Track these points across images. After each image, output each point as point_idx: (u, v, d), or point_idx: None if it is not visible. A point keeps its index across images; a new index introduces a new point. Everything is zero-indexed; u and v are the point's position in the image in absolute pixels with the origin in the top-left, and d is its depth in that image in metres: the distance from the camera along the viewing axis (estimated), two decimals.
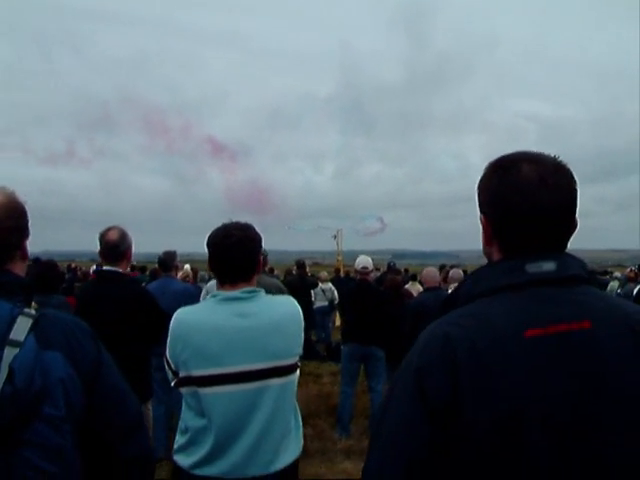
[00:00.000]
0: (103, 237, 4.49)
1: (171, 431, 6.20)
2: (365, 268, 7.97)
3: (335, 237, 29.03)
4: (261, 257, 2.89)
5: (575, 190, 1.50)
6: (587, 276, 1.49)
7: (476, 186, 1.59)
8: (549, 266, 1.43)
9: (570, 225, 1.50)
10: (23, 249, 1.89)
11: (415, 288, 11.99)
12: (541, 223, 1.45)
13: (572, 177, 1.50)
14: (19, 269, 1.87)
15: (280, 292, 5.04)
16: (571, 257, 1.49)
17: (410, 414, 1.35)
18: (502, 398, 1.29)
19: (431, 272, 8.15)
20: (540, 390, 1.30)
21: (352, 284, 8.65)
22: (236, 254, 2.72)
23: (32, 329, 1.68)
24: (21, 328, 1.67)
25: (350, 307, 7.99)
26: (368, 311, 7.62)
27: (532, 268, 1.43)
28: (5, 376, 1.58)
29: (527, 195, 1.44)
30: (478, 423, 1.29)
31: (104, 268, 4.61)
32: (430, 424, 1.32)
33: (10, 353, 1.61)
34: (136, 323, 4.41)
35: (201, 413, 2.59)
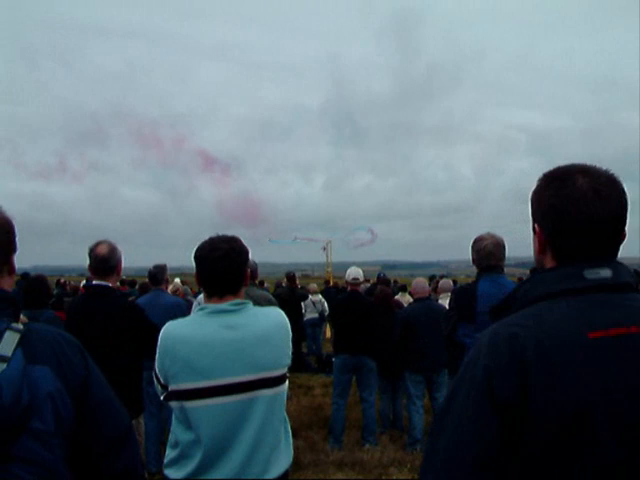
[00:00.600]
0: (92, 251, 4.47)
1: (163, 445, 6.17)
2: (356, 279, 8.00)
3: (324, 249, 29.10)
4: (248, 269, 2.89)
5: (626, 201, 1.57)
6: (636, 284, 1.56)
7: (529, 196, 1.68)
8: (605, 273, 1.51)
9: (621, 234, 1.58)
10: (10, 264, 1.89)
11: (405, 299, 12.02)
12: (596, 233, 1.53)
13: (623, 189, 1.58)
14: (6, 284, 1.87)
15: (269, 304, 5.03)
16: (622, 265, 1.57)
17: (479, 412, 1.40)
18: (570, 397, 1.35)
19: (421, 283, 8.18)
20: (606, 389, 1.36)
21: (343, 295, 8.67)
22: (223, 267, 2.73)
23: (19, 344, 1.69)
24: (8, 343, 1.67)
25: (341, 318, 8.00)
26: (359, 322, 7.65)
27: (590, 274, 1.51)
28: None
29: (583, 206, 1.52)
30: (546, 421, 1.34)
31: (93, 283, 4.59)
32: (499, 422, 1.37)
33: None
34: (126, 337, 4.39)
35: (191, 426, 2.59)
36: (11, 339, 1.68)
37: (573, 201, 1.52)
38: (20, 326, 1.74)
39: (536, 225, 1.64)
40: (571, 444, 1.33)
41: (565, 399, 1.34)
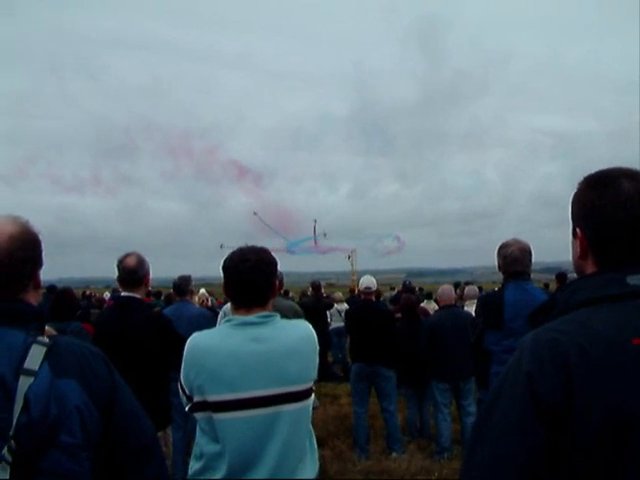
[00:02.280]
0: (121, 263, 4.51)
1: (189, 456, 6.17)
2: (368, 288, 8.05)
3: (349, 257, 29.14)
4: (277, 281, 2.88)
5: None
6: None
7: (571, 199, 1.65)
8: None
9: None
10: (36, 279, 1.90)
11: (430, 306, 11.97)
12: None
13: None
14: (32, 298, 1.88)
15: (296, 315, 5.03)
16: None
17: (523, 417, 1.37)
18: (613, 403, 1.32)
19: (446, 290, 8.15)
20: None
21: (356, 304, 8.74)
22: (252, 278, 2.71)
23: (46, 357, 1.70)
24: (35, 357, 1.68)
25: (354, 327, 8.06)
26: (372, 330, 7.67)
27: (633, 280, 1.47)
28: (21, 406, 1.59)
29: (628, 210, 1.50)
30: (589, 426, 1.32)
31: (122, 294, 4.62)
32: (543, 426, 1.35)
33: (25, 382, 1.63)
34: (154, 349, 4.40)
35: (216, 438, 2.57)
36: (37, 353, 1.69)
37: (619, 204, 1.50)
38: (46, 340, 1.75)
39: (578, 229, 1.61)
40: (614, 450, 1.31)
41: (609, 405, 1.32)
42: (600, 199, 1.53)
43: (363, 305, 8.10)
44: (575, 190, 1.63)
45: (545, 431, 1.35)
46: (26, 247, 1.83)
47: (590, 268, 1.59)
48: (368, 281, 8.07)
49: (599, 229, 1.54)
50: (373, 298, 8.35)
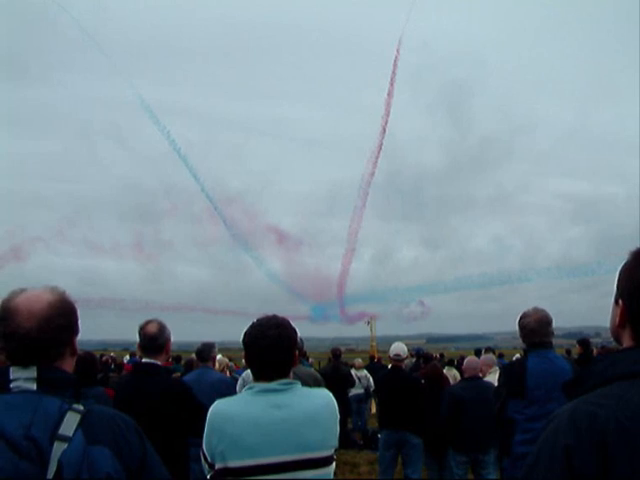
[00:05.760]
0: (142, 330, 4.55)
1: None
2: (398, 355, 8.04)
3: (368, 323, 29.00)
4: (297, 352, 2.92)
5: None
6: None
7: (617, 273, 1.68)
8: None
9: None
10: (73, 346, 1.97)
11: (451, 373, 11.84)
12: None
13: None
14: (68, 365, 1.95)
15: (316, 382, 5.03)
16: None
17: None
18: None
19: (472, 362, 8.07)
20: None
21: (385, 371, 8.69)
22: (271, 355, 2.76)
23: (80, 424, 1.75)
24: (69, 424, 1.74)
25: (383, 394, 8.05)
26: (401, 398, 7.64)
27: None
28: (54, 470, 1.64)
29: None
30: None
31: (143, 361, 4.65)
32: None
33: (59, 448, 1.68)
34: (172, 416, 4.40)
35: None
36: (72, 420, 1.75)
37: None
38: (81, 407, 1.80)
39: (621, 301, 1.64)
40: None
41: None
42: None
43: (392, 372, 8.12)
44: (624, 262, 1.67)
45: None
46: (64, 315, 1.91)
47: (627, 340, 1.62)
48: (398, 348, 8.08)
49: None
50: (403, 365, 8.32)
